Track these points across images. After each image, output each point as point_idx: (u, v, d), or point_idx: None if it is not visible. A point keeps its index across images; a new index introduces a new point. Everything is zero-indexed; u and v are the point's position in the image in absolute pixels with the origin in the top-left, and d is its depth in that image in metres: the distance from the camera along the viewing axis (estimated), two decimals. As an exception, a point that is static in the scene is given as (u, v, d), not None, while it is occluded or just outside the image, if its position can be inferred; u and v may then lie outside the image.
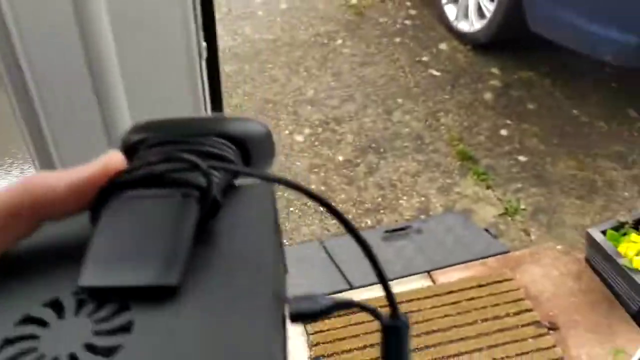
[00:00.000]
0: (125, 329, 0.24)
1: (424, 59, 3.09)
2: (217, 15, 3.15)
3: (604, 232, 1.84)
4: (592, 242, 1.84)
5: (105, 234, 0.28)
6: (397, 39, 3.22)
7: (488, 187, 2.39)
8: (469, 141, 2.61)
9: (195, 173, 0.29)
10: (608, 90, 2.89)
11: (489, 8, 2.91)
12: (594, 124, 2.69)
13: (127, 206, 0.29)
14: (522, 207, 2.31)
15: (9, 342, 0.24)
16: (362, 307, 0.28)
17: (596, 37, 2.42)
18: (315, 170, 2.45)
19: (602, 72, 2.91)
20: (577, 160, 2.51)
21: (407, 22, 3.36)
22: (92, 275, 0.27)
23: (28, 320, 0.25)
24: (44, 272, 0.28)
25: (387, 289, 0.27)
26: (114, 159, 0.30)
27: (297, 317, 0.28)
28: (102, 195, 0.29)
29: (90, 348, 0.24)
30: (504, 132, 2.65)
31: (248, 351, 0.23)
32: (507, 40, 2.99)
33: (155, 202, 0.29)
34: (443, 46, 3.17)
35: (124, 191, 0.29)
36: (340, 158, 2.51)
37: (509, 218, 2.26)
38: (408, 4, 3.51)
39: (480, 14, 3.00)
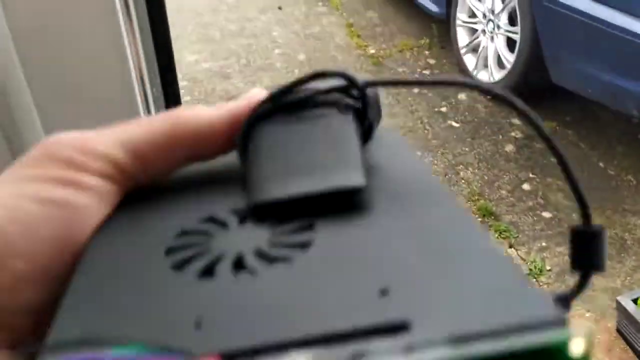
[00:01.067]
0: (304, 245, 0.23)
1: (443, 109, 3.04)
2: (237, 67, 3.12)
3: (635, 301, 1.73)
4: (623, 312, 1.72)
5: (266, 153, 0.26)
6: (416, 90, 3.18)
7: (511, 246, 2.29)
8: (490, 196, 2.52)
9: (344, 97, 0.28)
10: (635, 141, 2.79)
11: (509, 59, 2.86)
12: (622, 178, 2.59)
13: (281, 127, 0.27)
14: (548, 267, 2.20)
15: (186, 233, 0.24)
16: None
17: (621, 91, 2.34)
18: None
19: (628, 123, 2.82)
20: (605, 217, 2.40)
21: (426, 71, 3.33)
22: (265, 191, 0.25)
23: (211, 219, 0.25)
24: (212, 194, 0.27)
25: (578, 191, 0.24)
26: (258, 94, 0.28)
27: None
28: (250, 126, 0.27)
29: (260, 254, 0.22)
30: (526, 186, 2.56)
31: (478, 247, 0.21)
32: (528, 90, 2.92)
33: (312, 119, 0.27)
34: (462, 96, 3.12)
35: (272, 118, 0.28)
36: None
37: (534, 279, 2.15)
38: (427, 53, 3.49)
39: (500, 64, 2.95)
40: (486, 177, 2.63)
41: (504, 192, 2.55)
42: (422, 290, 0.19)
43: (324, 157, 0.26)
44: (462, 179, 2.61)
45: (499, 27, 2.94)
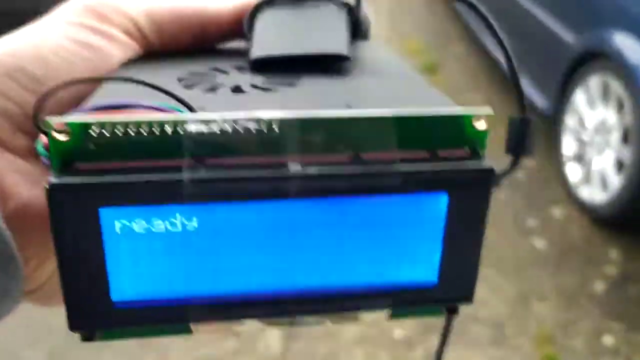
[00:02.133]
0: (290, 84, 0.30)
1: (530, 224, 2.69)
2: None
3: None
4: None
5: (266, 27, 0.33)
6: (503, 195, 2.86)
7: (572, 414, 1.91)
8: (561, 342, 2.14)
9: None
10: None
11: (615, 181, 2.48)
12: None
13: (282, 11, 0.34)
14: None
15: (194, 73, 0.32)
16: None
17: None
18: (366, 344, 2.13)
19: None
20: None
21: (521, 175, 2.99)
22: (262, 50, 0.32)
23: (216, 69, 0.33)
24: (215, 56, 0.36)
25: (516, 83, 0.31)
26: None
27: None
28: (256, 11, 0.34)
29: (253, 86, 0.30)
30: (608, 339, 2.15)
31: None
32: (633, 220, 2.51)
33: (310, 7, 0.35)
34: (556, 212, 2.75)
35: (275, 5, 0.35)
36: (397, 334, 2.17)
37: None
38: (527, 153, 3.14)
39: (605, 184, 2.57)
40: (562, 318, 2.25)
41: (579, 341, 2.15)
42: (376, 105, 0.26)
43: (316, 32, 0.33)
44: (533, 314, 2.26)
45: (608, 143, 2.57)
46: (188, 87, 0.30)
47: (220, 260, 0.25)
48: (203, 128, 0.23)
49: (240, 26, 0.35)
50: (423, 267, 0.27)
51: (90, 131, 0.23)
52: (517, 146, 0.31)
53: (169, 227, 0.24)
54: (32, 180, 0.28)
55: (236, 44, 0.37)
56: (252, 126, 0.23)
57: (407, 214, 0.26)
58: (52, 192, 0.23)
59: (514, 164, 0.31)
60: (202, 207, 0.24)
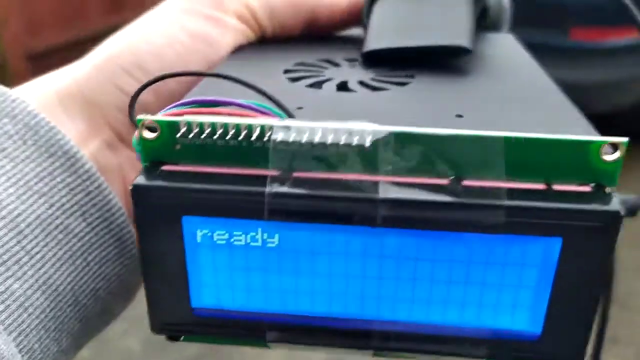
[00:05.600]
0: (401, 84, 0.28)
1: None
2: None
3: None
4: None
5: (383, 19, 0.32)
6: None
7: None
8: None
9: None
10: None
11: None
12: None
13: (401, 2, 0.33)
14: None
15: (302, 64, 0.31)
16: None
17: None
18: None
19: None
20: None
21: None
22: (376, 42, 0.31)
23: (326, 60, 0.32)
24: (331, 47, 0.35)
25: None
26: None
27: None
28: (373, 1, 0.34)
29: (362, 83, 0.29)
30: None
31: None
32: None
33: None
34: None
35: None
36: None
37: None
38: None
39: None
40: None
41: None
42: (491, 116, 0.25)
43: (436, 22, 0.30)
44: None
45: None
46: (293, 80, 0.29)
47: (300, 281, 0.24)
48: (290, 137, 0.22)
49: (353, 16, 0.34)
50: (525, 317, 0.24)
51: (178, 130, 0.23)
52: None
53: (249, 241, 0.24)
54: None
55: (352, 32, 0.36)
56: (344, 139, 0.22)
57: (511, 255, 0.23)
58: (136, 192, 0.23)
59: None
60: (284, 224, 0.23)
